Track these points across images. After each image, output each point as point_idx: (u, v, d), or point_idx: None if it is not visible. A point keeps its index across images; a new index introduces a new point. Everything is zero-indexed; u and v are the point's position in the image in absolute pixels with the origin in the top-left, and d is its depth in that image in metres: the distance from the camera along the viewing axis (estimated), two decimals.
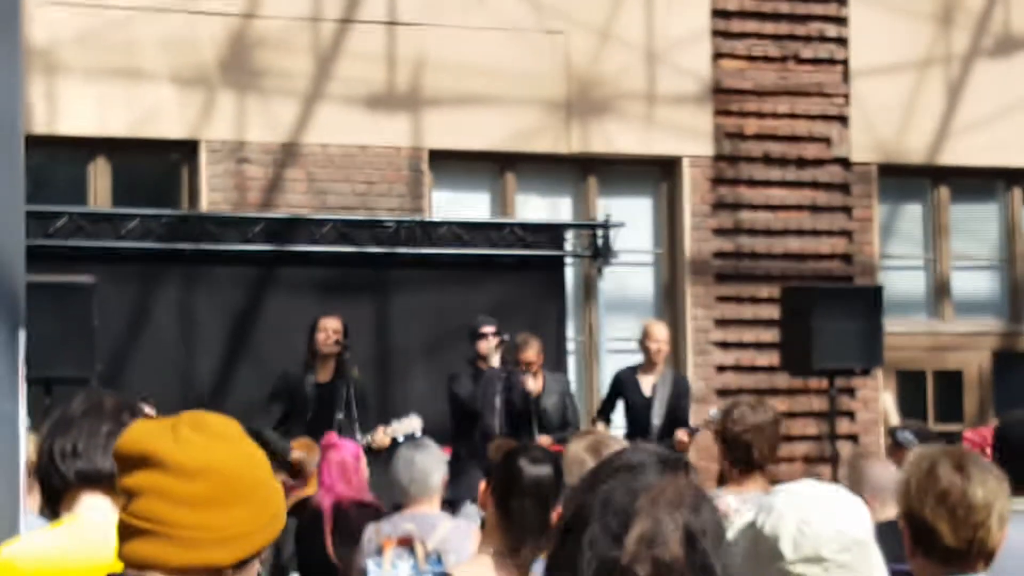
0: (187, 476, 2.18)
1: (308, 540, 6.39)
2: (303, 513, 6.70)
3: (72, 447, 2.95)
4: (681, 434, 9.95)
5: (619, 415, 10.39)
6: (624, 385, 10.16)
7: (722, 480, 5.70)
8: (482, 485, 4.14)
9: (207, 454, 2.19)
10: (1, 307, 3.80)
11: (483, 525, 4.12)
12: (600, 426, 9.96)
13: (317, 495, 6.68)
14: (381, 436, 8.95)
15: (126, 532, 2.21)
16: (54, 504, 3.01)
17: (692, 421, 10.41)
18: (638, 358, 10.52)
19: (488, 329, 9.44)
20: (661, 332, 10.28)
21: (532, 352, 9.65)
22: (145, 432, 2.22)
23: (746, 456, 5.31)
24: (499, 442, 7.69)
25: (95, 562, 2.76)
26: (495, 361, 9.40)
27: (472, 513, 7.26)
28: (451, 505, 7.70)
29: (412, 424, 8.99)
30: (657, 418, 10.04)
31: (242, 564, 2.22)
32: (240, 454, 2.23)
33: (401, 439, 8.85)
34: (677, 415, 10.14)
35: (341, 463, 6.70)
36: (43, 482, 3.01)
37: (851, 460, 6.91)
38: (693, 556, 1.91)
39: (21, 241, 3.90)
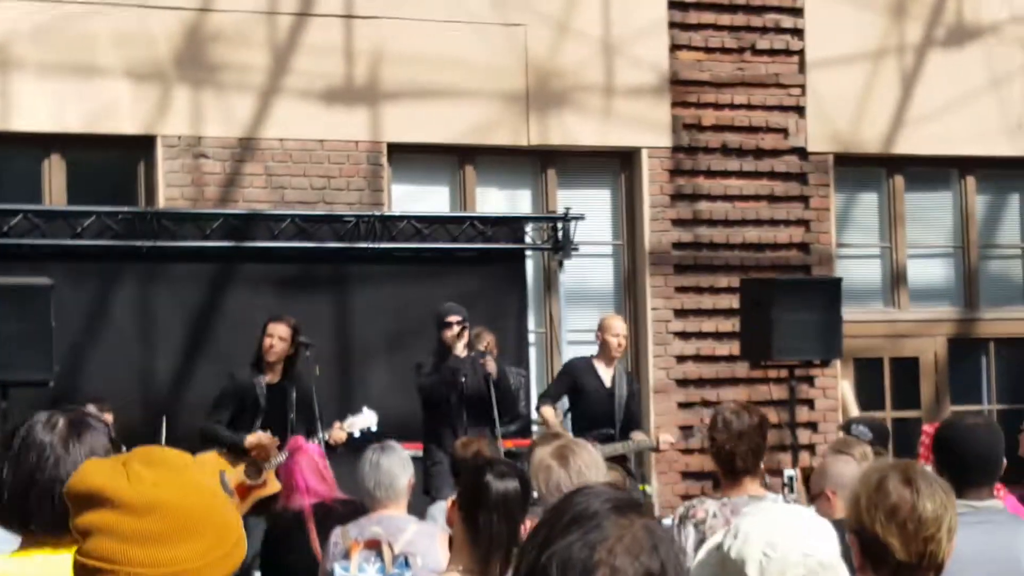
0: (136, 513, 2.16)
1: (289, 544, 6.35)
2: (278, 520, 6.65)
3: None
4: (666, 437, 10.11)
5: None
6: (581, 374, 10.09)
7: (718, 485, 5.72)
8: (448, 502, 4.15)
9: (156, 490, 2.17)
10: None
11: (450, 543, 4.10)
12: (547, 411, 9.92)
13: (293, 499, 6.63)
14: (337, 432, 8.89)
15: (80, 572, 2.18)
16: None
17: (654, 414, 10.46)
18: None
19: (454, 318, 9.35)
20: (623, 326, 10.29)
21: (483, 346, 9.63)
22: (96, 471, 2.21)
23: (730, 464, 5.32)
24: (464, 440, 7.66)
25: None
26: (459, 350, 9.31)
27: (438, 513, 7.25)
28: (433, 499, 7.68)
29: (367, 419, 8.94)
30: (619, 412, 10.06)
31: None
32: (190, 487, 2.20)
33: (357, 434, 8.83)
34: (632, 411, 10.17)
35: (312, 464, 6.68)
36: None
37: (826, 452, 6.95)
38: None
39: None
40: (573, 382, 10.11)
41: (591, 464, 4.76)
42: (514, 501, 4.04)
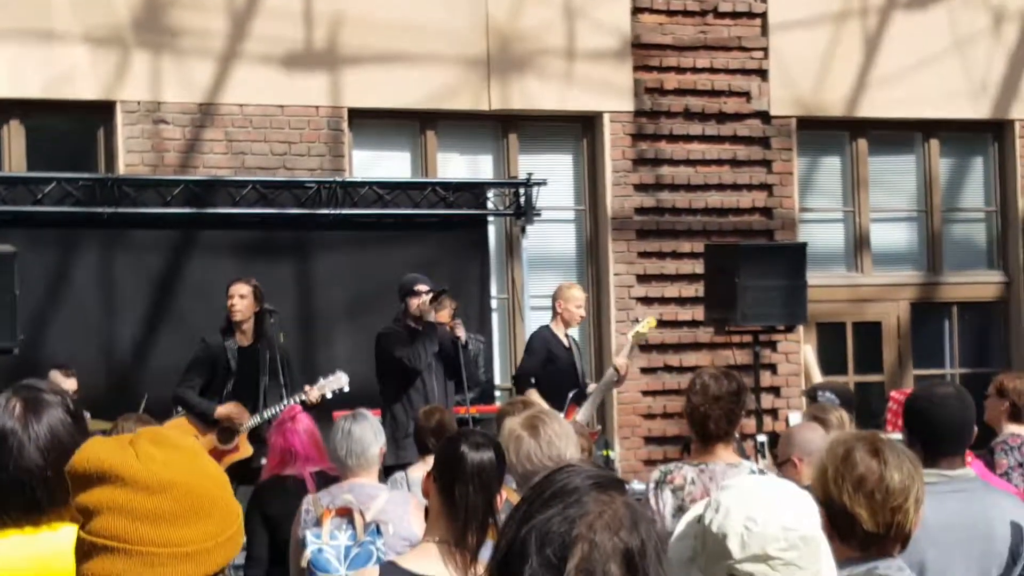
0: (149, 491, 2.17)
1: (288, 512, 6.33)
2: (274, 488, 6.65)
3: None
4: (618, 360, 10.15)
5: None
6: (551, 344, 10.30)
7: (687, 450, 5.81)
8: (423, 473, 4.22)
9: (169, 469, 2.19)
10: None
11: (426, 514, 4.18)
12: (533, 393, 10.04)
13: (290, 466, 6.67)
14: (311, 394, 9.02)
15: (86, 550, 2.19)
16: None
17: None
18: None
19: (422, 287, 9.47)
20: (583, 295, 10.45)
21: (445, 313, 9.79)
22: (103, 449, 2.21)
23: (703, 427, 5.42)
24: (427, 409, 7.81)
25: (36, 572, 2.79)
26: (431, 317, 9.47)
27: (399, 480, 7.37)
28: (398, 469, 7.78)
29: (340, 380, 9.08)
30: (579, 372, 10.28)
31: None
32: (200, 470, 2.23)
33: (330, 395, 8.98)
34: (583, 370, 10.45)
35: (310, 432, 6.75)
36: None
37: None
38: None
39: None
40: (546, 353, 10.31)
41: (561, 434, 4.81)
42: (489, 472, 4.09)
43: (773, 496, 2.62)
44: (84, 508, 2.19)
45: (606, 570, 1.92)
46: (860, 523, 3.37)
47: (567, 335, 10.37)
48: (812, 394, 9.18)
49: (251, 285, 9.29)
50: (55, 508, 2.87)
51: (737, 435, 5.97)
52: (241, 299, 9.24)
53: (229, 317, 9.31)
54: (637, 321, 10.79)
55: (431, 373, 9.39)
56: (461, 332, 9.46)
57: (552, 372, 10.21)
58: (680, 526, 2.67)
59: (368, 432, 6.17)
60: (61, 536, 2.86)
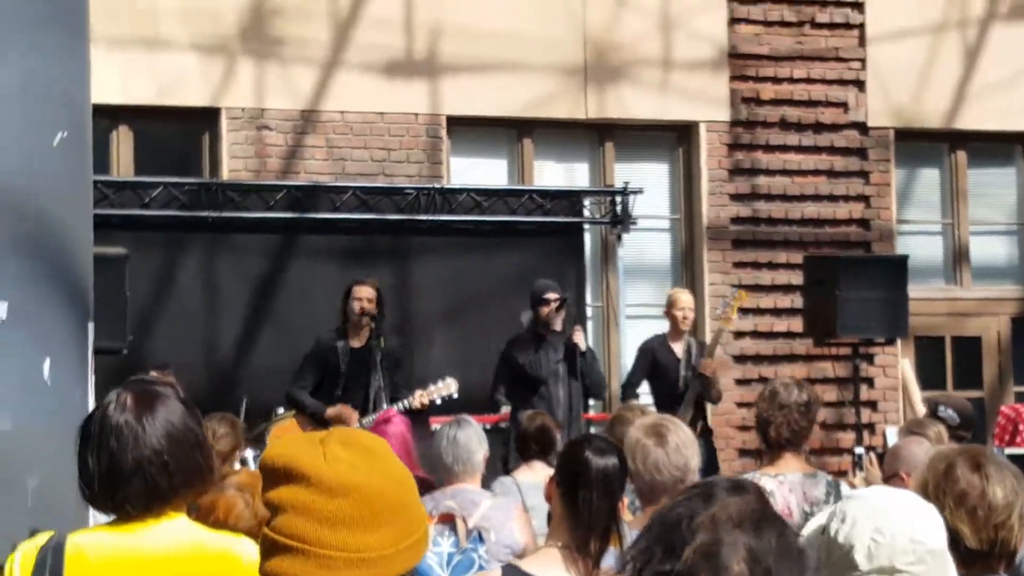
0: (331, 494, 2.19)
1: None
2: None
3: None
4: (705, 363, 10.38)
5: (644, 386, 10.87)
6: (655, 353, 10.57)
7: (760, 458, 5.96)
8: (529, 477, 4.41)
9: (354, 472, 2.20)
10: (73, 299, 4.17)
11: (549, 518, 4.28)
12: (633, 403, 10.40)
13: None
14: (420, 399, 9.31)
15: (269, 547, 2.23)
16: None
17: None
18: (658, 324, 11.03)
19: (552, 295, 9.90)
20: (687, 299, 10.74)
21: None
22: (293, 446, 2.25)
23: (764, 434, 5.57)
24: (529, 413, 8.02)
25: (164, 559, 3.01)
26: (558, 326, 9.85)
27: (508, 484, 7.53)
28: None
29: (449, 387, 9.38)
30: (683, 380, 10.53)
31: None
32: (387, 474, 2.24)
33: (439, 401, 9.33)
34: (699, 379, 10.62)
35: (402, 437, 6.85)
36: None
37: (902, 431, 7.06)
38: None
39: (89, 237, 4.29)
40: (650, 362, 10.61)
41: (687, 442, 4.83)
42: (613, 478, 4.16)
43: (901, 508, 2.63)
44: (271, 504, 2.23)
45: (725, 561, 1.95)
46: (963, 540, 3.31)
47: (687, 344, 10.63)
48: (932, 410, 9.25)
49: (375, 288, 9.65)
50: (177, 495, 3.08)
51: (806, 447, 5.98)
52: (369, 303, 9.56)
53: (347, 317, 9.62)
54: (724, 303, 10.78)
55: (556, 381, 9.76)
56: (580, 340, 9.86)
57: (655, 380, 10.53)
58: (804, 533, 2.67)
59: (473, 438, 6.30)
60: (178, 528, 3.09)
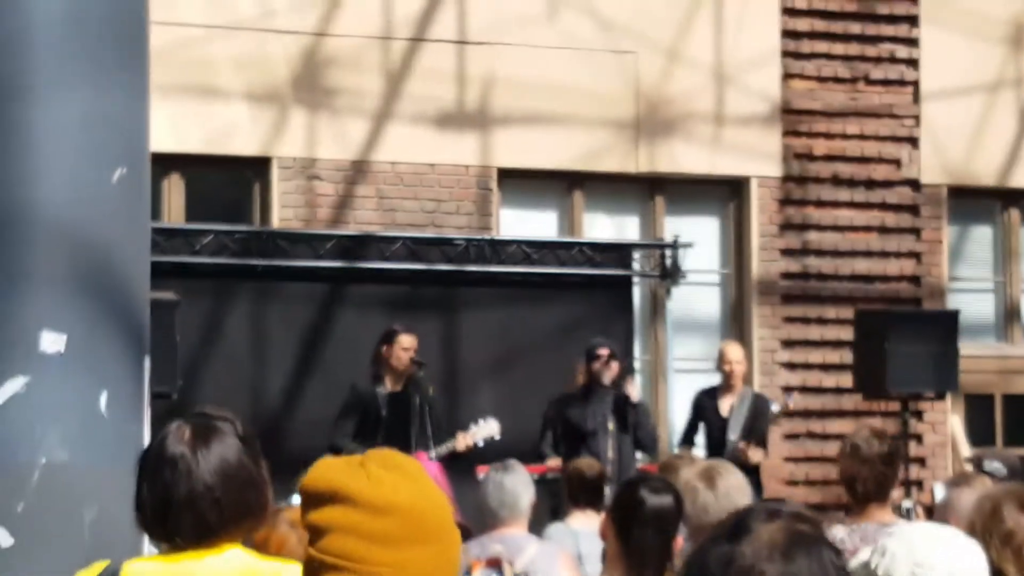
0: (379, 513, 2.27)
1: None
2: None
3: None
4: (742, 445, 10.46)
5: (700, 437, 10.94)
6: (702, 407, 10.71)
7: (848, 512, 5.97)
8: (602, 515, 4.37)
9: (397, 492, 2.29)
10: (130, 334, 4.20)
11: (603, 556, 4.34)
12: (683, 452, 10.45)
13: None
14: (463, 441, 9.41)
15: (315, 567, 2.30)
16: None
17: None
18: (705, 378, 11.06)
19: (602, 352, 10.09)
20: (735, 353, 10.80)
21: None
22: (335, 469, 2.32)
23: (851, 490, 5.58)
24: (576, 462, 8.10)
25: None
26: (606, 380, 10.01)
27: (559, 532, 7.50)
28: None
29: (491, 428, 9.48)
30: (733, 435, 10.53)
31: None
32: (426, 495, 2.33)
33: (480, 444, 9.39)
34: (754, 434, 10.64)
35: (438, 482, 6.97)
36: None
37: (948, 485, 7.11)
38: None
39: (147, 272, 4.33)
40: (698, 417, 10.78)
41: (738, 487, 4.89)
42: (667, 516, 4.22)
43: (942, 542, 2.68)
44: (314, 526, 2.30)
45: None
46: None
47: (740, 396, 10.65)
48: (978, 463, 9.19)
49: (415, 337, 9.87)
50: (226, 531, 3.09)
51: (893, 499, 6.00)
52: (411, 351, 9.76)
53: (383, 363, 9.74)
54: (779, 407, 10.89)
55: (605, 435, 9.88)
56: (632, 391, 9.98)
57: (706, 434, 10.60)
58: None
59: (520, 483, 6.34)
60: (228, 558, 3.10)
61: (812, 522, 2.03)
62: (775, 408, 10.53)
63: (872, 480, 5.55)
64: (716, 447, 10.43)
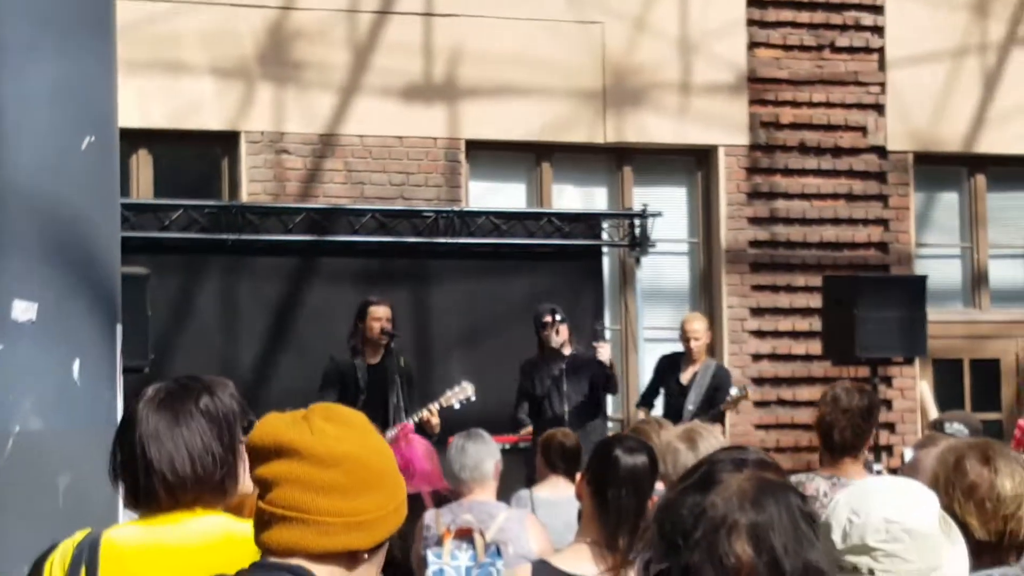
0: (324, 465, 2.35)
1: (402, 530, 6.55)
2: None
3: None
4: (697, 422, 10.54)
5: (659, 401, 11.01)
6: (664, 372, 10.78)
7: (820, 462, 6.01)
8: (578, 476, 4.38)
9: (342, 443, 2.36)
10: (102, 301, 4.20)
11: (579, 516, 4.37)
12: (642, 413, 10.56)
13: (411, 484, 6.97)
14: (441, 403, 9.44)
15: (265, 520, 2.37)
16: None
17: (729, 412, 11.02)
18: (675, 347, 11.10)
19: (548, 317, 10.12)
20: (696, 326, 10.84)
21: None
22: (279, 424, 2.39)
23: (828, 438, 5.61)
24: (549, 431, 8.14)
25: (195, 549, 3.05)
26: (556, 343, 10.04)
27: (523, 497, 7.59)
28: None
29: (466, 390, 9.53)
30: (691, 405, 10.59)
31: (377, 548, 2.42)
32: (369, 445, 2.40)
33: (457, 406, 9.44)
34: (712, 405, 10.69)
35: (427, 450, 6.97)
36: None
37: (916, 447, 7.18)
38: (760, 555, 1.95)
39: (117, 240, 4.33)
40: (660, 380, 10.85)
41: (719, 448, 4.97)
42: (642, 475, 4.24)
43: (883, 491, 2.70)
44: (262, 480, 2.37)
45: (729, 545, 1.96)
46: (971, 531, 3.35)
47: (701, 367, 10.70)
48: (939, 425, 9.27)
49: (391, 307, 9.89)
50: (198, 498, 3.10)
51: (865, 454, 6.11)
52: (387, 322, 9.76)
53: (362, 336, 9.78)
54: (732, 395, 10.71)
55: (559, 397, 9.89)
56: (604, 355, 10.09)
57: (665, 399, 10.67)
58: None
59: (483, 448, 6.40)
60: (208, 522, 3.11)
61: (776, 468, 2.07)
62: (733, 392, 10.53)
63: (849, 430, 5.59)
64: (673, 415, 10.46)
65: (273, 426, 2.39)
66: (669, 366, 10.81)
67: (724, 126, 12.38)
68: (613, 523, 4.18)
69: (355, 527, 2.36)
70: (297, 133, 11.49)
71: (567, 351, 10.15)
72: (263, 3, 11.44)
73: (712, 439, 5.02)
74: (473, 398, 9.48)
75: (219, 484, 3.16)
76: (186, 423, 3.11)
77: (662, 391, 10.87)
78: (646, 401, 10.93)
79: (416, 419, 9.36)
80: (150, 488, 3.07)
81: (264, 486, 2.37)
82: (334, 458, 2.35)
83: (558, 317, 10.09)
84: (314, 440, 2.35)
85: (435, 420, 9.39)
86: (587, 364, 10.12)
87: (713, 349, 12.25)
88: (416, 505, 6.67)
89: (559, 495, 6.96)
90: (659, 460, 4.54)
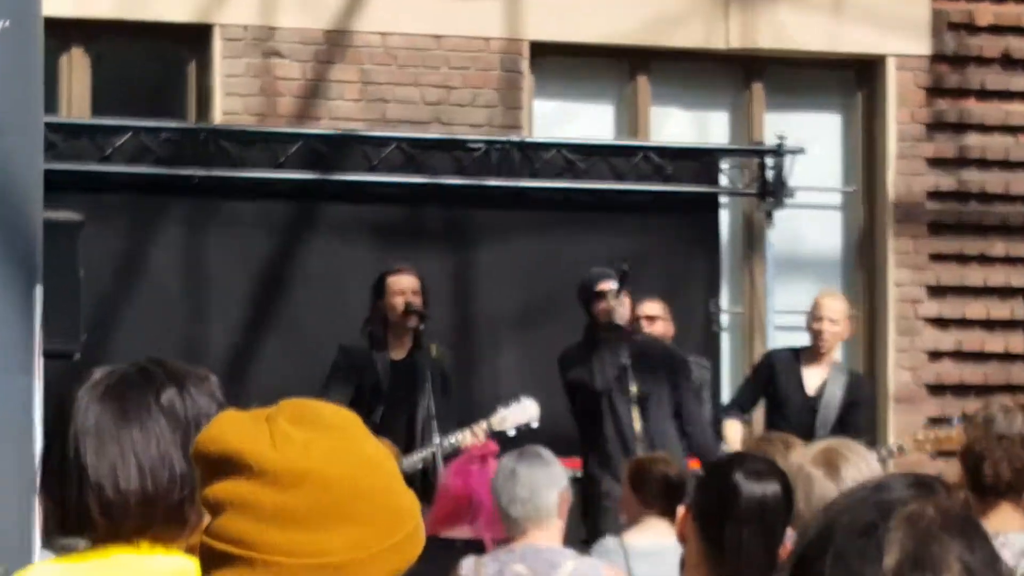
0: (279, 485, 2.31)
1: None
2: (432, 555, 6.96)
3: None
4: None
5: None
6: (779, 374, 10.65)
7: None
8: (680, 511, 4.41)
9: (307, 456, 2.32)
10: (14, 256, 4.27)
11: (682, 564, 4.39)
12: (731, 426, 10.47)
13: (472, 526, 7.02)
14: (482, 431, 9.36)
15: (208, 558, 2.35)
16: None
17: (894, 432, 11.00)
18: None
19: (605, 285, 9.96)
20: (835, 309, 10.70)
21: (656, 307, 10.43)
22: (233, 427, 2.36)
23: (976, 473, 5.62)
24: (641, 457, 8.14)
25: None
26: (620, 320, 9.88)
27: (612, 549, 7.57)
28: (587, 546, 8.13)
29: (527, 411, 9.49)
30: (823, 429, 10.49)
31: None
32: (352, 455, 2.35)
33: (512, 432, 9.40)
34: (846, 431, 10.61)
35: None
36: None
37: None
38: None
39: (39, 172, 4.38)
40: (767, 381, 10.72)
41: (869, 476, 4.78)
42: (773, 509, 4.26)
43: None
44: (207, 503, 2.36)
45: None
46: None
47: (831, 373, 10.65)
48: None
49: (419, 278, 9.81)
50: (147, 527, 3.05)
51: None
52: (414, 295, 9.73)
53: (384, 321, 9.79)
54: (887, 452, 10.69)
55: (624, 398, 9.79)
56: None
57: (773, 410, 10.61)
58: None
59: (539, 473, 6.47)
60: (162, 561, 3.07)
61: (963, 501, 2.18)
62: (891, 446, 10.52)
63: (1006, 464, 5.62)
64: (797, 435, 10.41)
65: (225, 430, 2.36)
66: (786, 365, 10.65)
67: (896, 27, 12.36)
68: (732, 572, 4.22)
69: (318, 570, 2.31)
70: (293, 28, 11.57)
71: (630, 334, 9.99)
72: None
73: (863, 464, 5.05)
74: (535, 424, 9.49)
75: (176, 509, 3.16)
76: (139, 422, 3.05)
77: (766, 398, 10.74)
78: (740, 407, 10.81)
79: (453, 441, 9.38)
80: (82, 508, 3.06)
81: (210, 511, 2.35)
82: (293, 476, 2.31)
83: (618, 285, 9.87)
84: (273, 450, 2.32)
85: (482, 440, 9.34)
86: (660, 353, 10.05)
87: (874, 343, 12.24)
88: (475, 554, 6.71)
89: (662, 543, 7.00)
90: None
